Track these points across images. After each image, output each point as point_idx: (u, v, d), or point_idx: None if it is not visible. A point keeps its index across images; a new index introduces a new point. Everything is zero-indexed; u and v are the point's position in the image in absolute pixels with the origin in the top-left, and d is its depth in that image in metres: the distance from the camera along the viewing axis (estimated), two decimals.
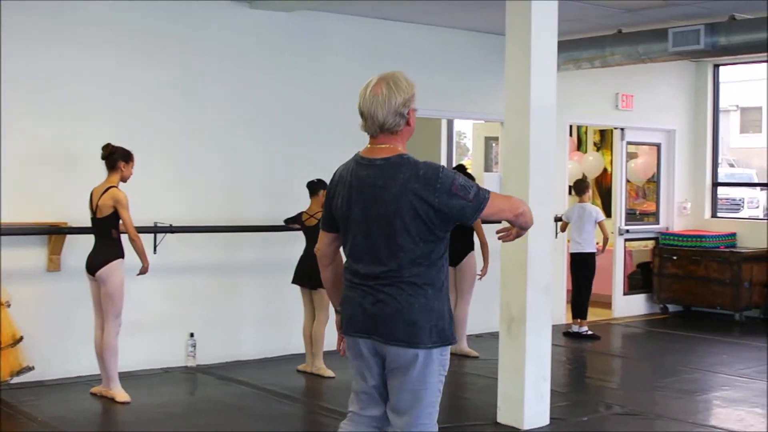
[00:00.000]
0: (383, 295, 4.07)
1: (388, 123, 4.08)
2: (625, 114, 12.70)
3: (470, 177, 9.63)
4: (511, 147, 7.16)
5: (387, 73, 4.14)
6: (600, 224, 11.07)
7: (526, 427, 6.99)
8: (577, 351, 10.52)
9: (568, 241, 11.32)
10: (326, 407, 7.73)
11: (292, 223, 8.95)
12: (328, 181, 4.51)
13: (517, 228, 4.25)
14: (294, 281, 8.80)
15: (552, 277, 7.25)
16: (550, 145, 7.13)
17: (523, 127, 7.00)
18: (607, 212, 13.10)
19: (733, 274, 12.26)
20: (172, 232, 8.68)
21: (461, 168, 10.01)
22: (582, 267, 11.13)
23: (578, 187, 11.17)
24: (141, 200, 8.19)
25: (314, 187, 8.79)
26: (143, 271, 7.76)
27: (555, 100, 7.14)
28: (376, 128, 4.11)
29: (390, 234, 4.03)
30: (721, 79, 13.64)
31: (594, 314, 12.23)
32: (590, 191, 11.29)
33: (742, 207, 21.99)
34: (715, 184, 13.74)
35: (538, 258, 7.01)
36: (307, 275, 8.64)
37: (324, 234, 4.37)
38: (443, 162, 13.34)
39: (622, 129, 12.82)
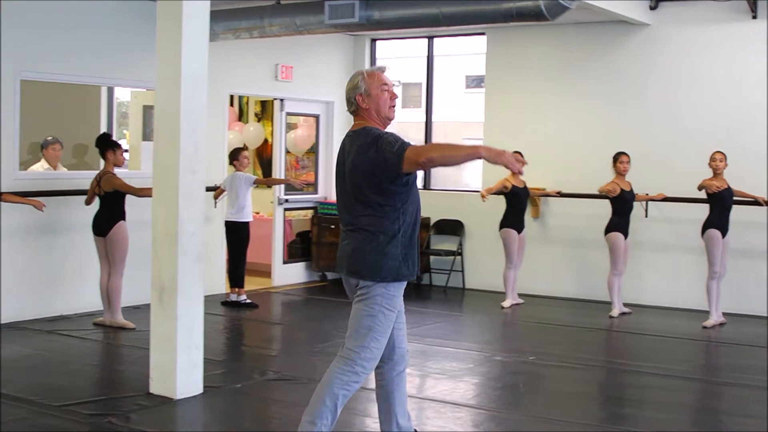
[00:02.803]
0: (350, 238, 5.21)
1: (347, 107, 5.31)
2: (285, 85, 12.83)
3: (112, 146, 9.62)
4: (163, 114, 7.06)
5: None
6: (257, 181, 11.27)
7: (178, 396, 6.96)
8: (235, 320, 10.56)
9: None
10: None
11: None
12: None
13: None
14: None
15: (204, 246, 7.22)
16: (202, 113, 7.07)
17: (174, 94, 6.92)
18: None
19: None
20: None
21: (105, 137, 9.86)
22: (236, 236, 11.09)
23: (231, 156, 11.13)
24: None
25: None
26: None
27: (206, 68, 7.08)
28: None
29: (351, 188, 5.17)
30: (381, 55, 14.07)
31: (254, 283, 12.36)
32: (246, 160, 11.16)
33: None
34: None
35: (188, 227, 6.95)
36: None
37: None
38: (102, 131, 13.01)
39: (282, 100, 12.95)
